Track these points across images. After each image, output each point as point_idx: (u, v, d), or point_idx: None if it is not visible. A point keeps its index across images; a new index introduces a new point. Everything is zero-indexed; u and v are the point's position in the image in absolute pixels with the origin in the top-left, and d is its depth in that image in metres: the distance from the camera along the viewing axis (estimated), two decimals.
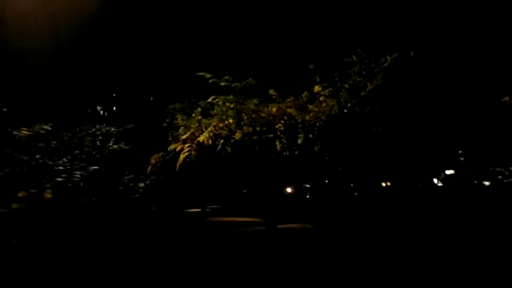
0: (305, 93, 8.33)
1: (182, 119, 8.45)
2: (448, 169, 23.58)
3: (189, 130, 7.99)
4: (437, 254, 8.61)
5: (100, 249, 9.31)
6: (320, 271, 7.38)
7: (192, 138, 7.90)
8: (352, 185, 30.17)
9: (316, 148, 7.38)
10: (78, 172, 8.52)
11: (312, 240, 12.46)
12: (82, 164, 8.85)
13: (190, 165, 8.92)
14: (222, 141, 7.80)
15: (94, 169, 9.03)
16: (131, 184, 10.51)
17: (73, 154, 8.74)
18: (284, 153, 7.80)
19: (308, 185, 34.50)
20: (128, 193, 10.42)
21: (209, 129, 7.78)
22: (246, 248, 10.80)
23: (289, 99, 8.14)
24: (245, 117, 7.86)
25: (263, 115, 7.96)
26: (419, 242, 10.71)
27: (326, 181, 32.13)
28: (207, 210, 21.66)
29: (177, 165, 8.10)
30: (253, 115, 7.93)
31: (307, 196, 34.46)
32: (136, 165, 10.21)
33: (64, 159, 8.44)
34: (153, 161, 8.64)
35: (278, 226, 17.53)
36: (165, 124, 9.01)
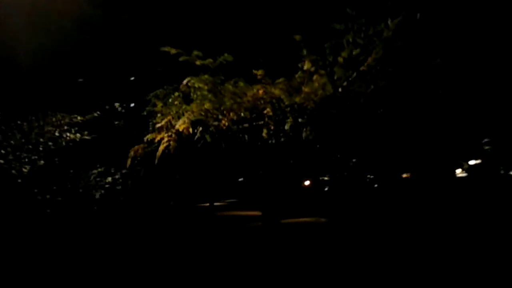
0: (299, 73, 7.05)
1: (162, 106, 7.34)
2: (472, 159, 21.65)
3: (166, 118, 6.86)
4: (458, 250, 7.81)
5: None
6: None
7: (169, 126, 6.77)
8: (370, 176, 28.55)
9: (304, 134, 6.13)
10: (28, 166, 7.54)
11: (315, 237, 11.38)
12: (33, 157, 7.86)
13: (176, 157, 7.84)
14: (200, 128, 6.63)
15: (55, 161, 8.08)
16: (98, 179, 9.48)
17: (27, 147, 7.76)
18: (270, 141, 6.55)
19: (326, 178, 33.16)
20: (92, 189, 9.37)
21: (186, 115, 6.63)
22: (235, 245, 9.88)
23: (279, 80, 6.89)
24: (228, 102, 6.67)
25: (248, 98, 6.74)
26: (436, 237, 9.55)
27: (345, 173, 30.70)
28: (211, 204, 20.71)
29: (156, 158, 7.00)
30: (237, 99, 6.72)
31: (325, 189, 33.15)
32: (108, 158, 9.24)
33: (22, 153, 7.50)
34: (132, 154, 7.55)
35: (290, 220, 16.55)
36: (145, 113, 7.93)
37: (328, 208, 21.47)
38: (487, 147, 19.66)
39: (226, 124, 6.74)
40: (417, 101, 7.70)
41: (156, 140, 7.20)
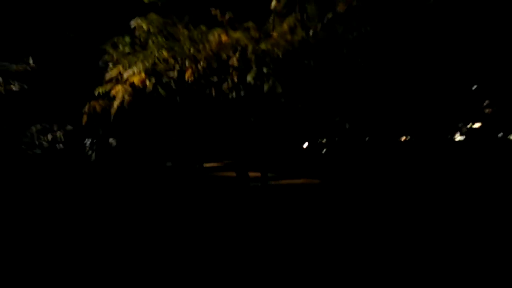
0: (272, 17, 5.90)
1: (114, 55, 6.28)
2: (472, 122, 20.49)
3: (116, 68, 5.83)
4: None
5: None
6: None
7: (119, 78, 5.76)
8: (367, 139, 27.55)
9: (265, 87, 5.12)
10: None
11: (303, 198, 10.81)
12: None
13: (140, 114, 6.88)
14: (153, 80, 5.60)
15: None
16: (40, 136, 8.49)
17: None
18: (230, 96, 5.53)
19: (323, 140, 32.27)
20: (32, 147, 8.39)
21: (139, 64, 5.60)
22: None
23: (248, 24, 5.77)
24: (186, 49, 5.60)
25: (213, 46, 5.65)
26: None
27: (336, 138, 29.81)
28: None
29: (112, 113, 6.05)
30: (197, 46, 5.64)
31: (323, 152, 32.35)
32: (51, 113, 8.23)
33: None
34: (87, 110, 6.57)
35: (282, 182, 15.99)
36: (102, 64, 6.87)
37: (324, 171, 20.87)
38: (487, 110, 18.46)
39: (188, 77, 5.70)
40: (412, 54, 6.60)
41: (112, 94, 6.20)
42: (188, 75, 5.67)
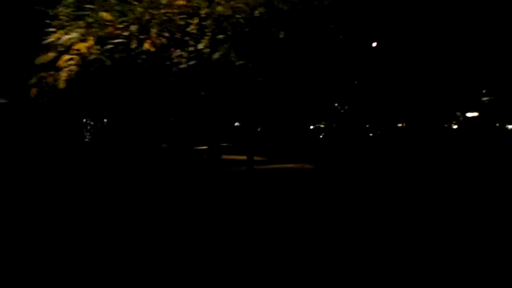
0: None
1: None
2: (470, 111, 19.68)
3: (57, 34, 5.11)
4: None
5: None
6: None
7: (59, 46, 5.05)
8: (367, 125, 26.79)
9: (215, 55, 4.43)
10: None
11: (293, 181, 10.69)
12: None
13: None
14: (96, 50, 4.88)
15: None
16: None
17: None
18: (181, 66, 4.81)
19: (322, 125, 31.58)
20: None
21: (80, 30, 4.92)
22: None
23: None
24: (138, 12, 4.91)
25: (167, 10, 4.95)
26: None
27: (333, 124, 29.13)
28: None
29: (59, 86, 5.37)
30: (150, 10, 4.94)
31: (320, 136, 31.69)
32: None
33: None
34: (35, 81, 5.87)
35: (274, 166, 15.41)
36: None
37: (319, 155, 20.22)
38: (485, 99, 17.64)
39: (150, 47, 4.99)
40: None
41: (58, 64, 5.49)
42: (150, 47, 4.97)
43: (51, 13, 5.44)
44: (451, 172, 12.01)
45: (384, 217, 5.68)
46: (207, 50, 4.49)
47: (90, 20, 4.92)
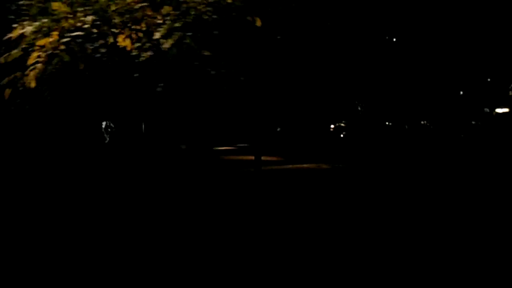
0: None
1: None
2: (499, 107, 18.16)
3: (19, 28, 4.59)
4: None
5: None
6: None
7: (22, 41, 4.53)
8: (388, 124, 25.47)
9: (166, 44, 3.76)
10: None
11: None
12: None
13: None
14: (62, 44, 4.33)
15: None
16: None
17: None
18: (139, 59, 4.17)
19: (343, 124, 30.40)
20: None
21: (44, 23, 4.40)
22: None
23: None
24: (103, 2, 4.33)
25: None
26: None
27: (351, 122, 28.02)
28: None
29: (30, 85, 4.87)
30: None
31: (342, 135, 30.54)
32: None
33: None
34: (6, 81, 5.37)
35: (290, 166, 14.86)
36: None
37: (338, 155, 19.31)
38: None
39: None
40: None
41: (29, 63, 4.97)
42: (121, 40, 4.38)
43: (12, 8, 4.97)
44: (479, 171, 11.10)
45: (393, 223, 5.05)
46: (164, 40, 3.86)
47: (55, 12, 4.39)
